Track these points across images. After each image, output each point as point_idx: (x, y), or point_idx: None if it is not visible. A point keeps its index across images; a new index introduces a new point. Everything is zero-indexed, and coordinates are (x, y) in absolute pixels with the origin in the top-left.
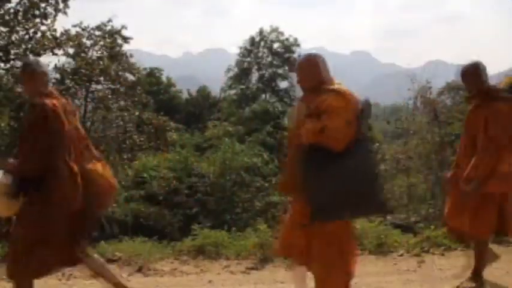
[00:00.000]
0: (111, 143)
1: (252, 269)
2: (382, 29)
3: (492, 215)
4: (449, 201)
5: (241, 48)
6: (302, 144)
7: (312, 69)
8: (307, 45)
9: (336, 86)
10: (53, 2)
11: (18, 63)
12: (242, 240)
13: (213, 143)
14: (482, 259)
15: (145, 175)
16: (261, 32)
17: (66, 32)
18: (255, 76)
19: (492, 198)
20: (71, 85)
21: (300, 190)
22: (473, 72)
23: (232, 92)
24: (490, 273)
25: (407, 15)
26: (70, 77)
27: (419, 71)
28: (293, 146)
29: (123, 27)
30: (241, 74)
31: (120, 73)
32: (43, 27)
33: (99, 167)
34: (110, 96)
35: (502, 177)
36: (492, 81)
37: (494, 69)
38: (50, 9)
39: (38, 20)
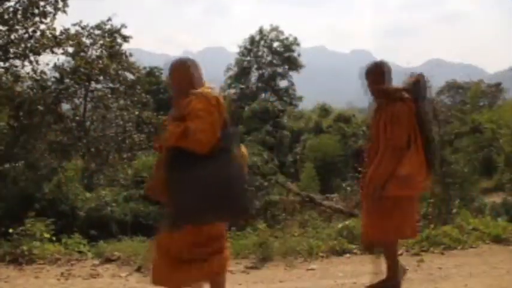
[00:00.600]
0: (110, 142)
1: (252, 268)
2: (382, 28)
3: (397, 219)
4: (363, 209)
5: (241, 47)
6: (167, 147)
7: (183, 72)
8: (307, 44)
9: (202, 89)
10: (53, 0)
11: (18, 62)
12: (241, 240)
13: None
14: (393, 264)
15: (144, 174)
16: (260, 31)
17: (65, 31)
18: (254, 75)
19: (396, 202)
20: (70, 84)
21: (166, 194)
22: (376, 72)
23: (232, 91)
24: (490, 272)
25: (407, 14)
26: (69, 76)
27: (419, 70)
28: (163, 149)
29: (123, 26)
30: (241, 73)
31: (119, 72)
32: (42, 26)
33: None
34: (109, 96)
35: (401, 181)
36: (491, 81)
37: (494, 68)
38: (49, 8)
39: (37, 18)
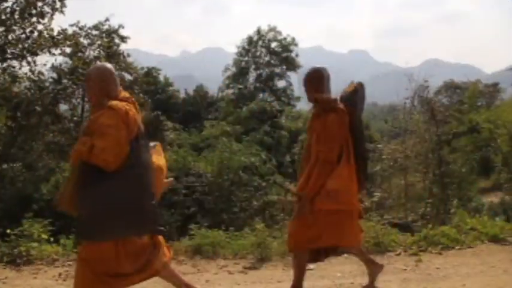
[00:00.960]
0: None
1: (250, 268)
2: (380, 28)
3: (315, 230)
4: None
5: (239, 47)
6: (75, 163)
7: (98, 82)
8: (304, 44)
9: (114, 102)
10: (50, 1)
11: (15, 63)
12: (239, 240)
13: (211, 143)
14: (300, 274)
15: None
16: (258, 32)
17: (63, 31)
18: (252, 75)
19: (325, 215)
20: (68, 85)
21: (75, 207)
22: (314, 79)
23: (230, 91)
24: (487, 272)
25: (405, 14)
26: (67, 76)
27: (417, 70)
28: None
29: (120, 26)
30: (239, 73)
31: (117, 72)
32: (40, 27)
33: None
34: None
35: (329, 195)
36: (489, 81)
37: (491, 69)
38: (46, 8)
39: (34, 19)
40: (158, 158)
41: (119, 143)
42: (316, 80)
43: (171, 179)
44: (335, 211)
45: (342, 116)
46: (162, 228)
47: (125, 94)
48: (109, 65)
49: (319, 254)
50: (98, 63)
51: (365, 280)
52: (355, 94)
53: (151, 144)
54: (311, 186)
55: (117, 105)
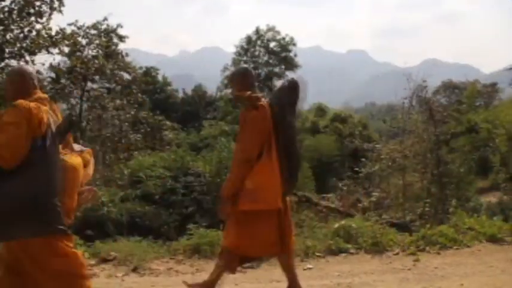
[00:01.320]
0: (107, 142)
1: (248, 268)
2: (378, 27)
3: (245, 236)
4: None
5: (237, 47)
6: None
7: (13, 83)
8: (303, 44)
9: (19, 101)
10: (48, 0)
11: (13, 62)
12: None
13: (209, 142)
14: (216, 277)
15: (141, 174)
16: (257, 31)
17: (61, 31)
18: None
19: (247, 217)
20: (66, 84)
21: None
22: (238, 78)
23: (229, 91)
24: (485, 272)
25: (404, 14)
26: (65, 75)
27: (415, 70)
28: None
29: (119, 26)
30: None
31: (115, 72)
32: (38, 26)
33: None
34: (105, 95)
35: (248, 194)
36: (487, 81)
37: (490, 69)
38: (45, 8)
39: (33, 18)
40: (72, 157)
41: (17, 139)
42: (240, 79)
43: (92, 187)
44: (256, 212)
45: (264, 113)
46: (63, 228)
47: (40, 95)
48: (26, 67)
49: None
50: (16, 66)
51: (363, 279)
52: (281, 90)
53: (77, 148)
54: (229, 185)
55: (22, 103)
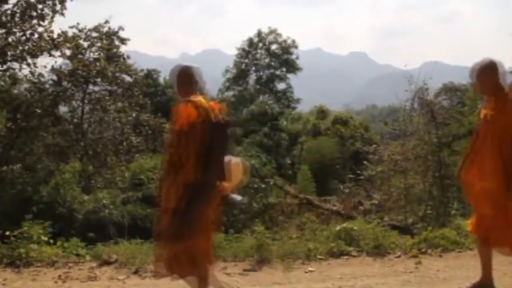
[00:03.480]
0: (108, 144)
1: (249, 270)
2: (379, 29)
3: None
4: None
5: (239, 49)
6: None
7: None
8: (304, 47)
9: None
10: (50, 3)
11: (15, 65)
12: (239, 242)
13: None
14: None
15: (142, 177)
16: (259, 34)
17: (63, 34)
18: (252, 77)
19: None
20: (68, 87)
21: None
22: (180, 76)
23: (230, 93)
24: None
25: (404, 16)
26: (67, 78)
27: (416, 72)
28: None
29: (120, 28)
30: (239, 76)
31: (117, 74)
32: (40, 29)
33: None
34: (107, 98)
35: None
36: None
37: None
38: (47, 11)
39: (35, 21)
40: None
41: None
42: (182, 77)
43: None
44: None
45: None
46: None
47: None
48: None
49: None
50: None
51: (365, 282)
52: None
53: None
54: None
55: None
